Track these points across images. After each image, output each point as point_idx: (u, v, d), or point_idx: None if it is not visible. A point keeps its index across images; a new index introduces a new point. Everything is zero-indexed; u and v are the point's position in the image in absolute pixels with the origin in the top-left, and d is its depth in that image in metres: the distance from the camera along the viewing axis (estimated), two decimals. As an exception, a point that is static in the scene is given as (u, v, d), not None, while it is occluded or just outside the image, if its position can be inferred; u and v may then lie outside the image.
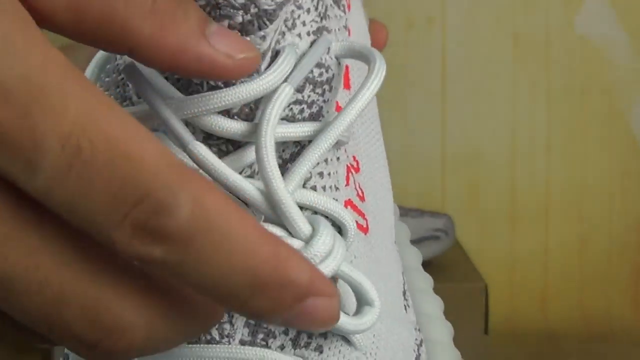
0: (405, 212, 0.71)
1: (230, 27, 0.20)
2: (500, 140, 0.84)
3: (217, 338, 0.21)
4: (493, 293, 0.77)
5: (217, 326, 0.21)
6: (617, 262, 0.84)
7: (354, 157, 0.26)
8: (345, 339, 0.22)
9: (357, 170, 0.26)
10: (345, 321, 0.22)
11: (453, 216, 0.74)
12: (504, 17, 0.83)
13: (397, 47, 0.84)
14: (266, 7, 0.21)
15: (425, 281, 0.29)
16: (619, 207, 0.84)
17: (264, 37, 0.21)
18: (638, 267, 0.84)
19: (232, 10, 0.20)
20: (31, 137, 0.16)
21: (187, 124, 0.21)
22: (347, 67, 0.25)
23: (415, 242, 0.69)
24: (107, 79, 0.24)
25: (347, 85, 0.25)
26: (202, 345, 0.21)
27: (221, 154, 0.22)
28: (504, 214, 0.84)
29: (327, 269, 0.21)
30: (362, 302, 0.23)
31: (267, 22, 0.21)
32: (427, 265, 0.73)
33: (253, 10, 0.21)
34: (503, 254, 0.84)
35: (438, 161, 0.84)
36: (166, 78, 0.22)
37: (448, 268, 0.69)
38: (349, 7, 0.27)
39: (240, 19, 0.20)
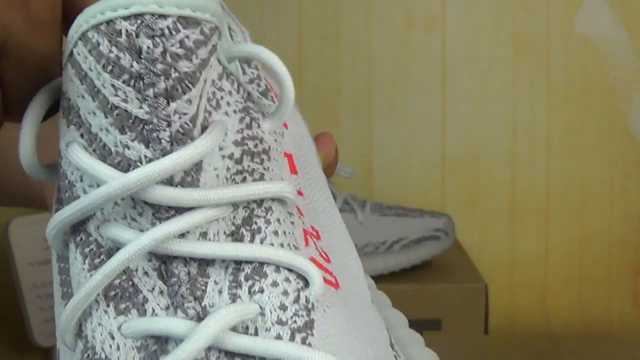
0: (405, 212, 0.71)
1: (156, 95, 0.22)
2: (500, 140, 0.84)
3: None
4: (493, 293, 0.77)
5: None
6: (617, 262, 0.84)
7: (312, 227, 0.26)
8: None
9: (318, 238, 0.26)
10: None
11: (453, 216, 0.74)
12: (504, 17, 0.83)
13: (397, 47, 0.84)
14: (185, 69, 0.22)
15: (416, 337, 0.28)
16: (619, 207, 0.84)
17: (189, 101, 0.22)
18: (638, 267, 0.84)
19: (154, 77, 0.22)
20: None
21: (135, 203, 0.23)
22: (290, 155, 0.27)
23: (415, 242, 0.70)
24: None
25: (294, 171, 0.27)
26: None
27: (167, 219, 0.23)
28: (504, 214, 0.84)
29: None
30: None
31: (190, 86, 0.22)
32: (427, 265, 0.74)
33: (174, 74, 0.22)
34: (503, 254, 0.84)
35: (438, 161, 0.85)
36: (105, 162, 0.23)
37: (448, 268, 0.70)
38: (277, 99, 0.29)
39: (163, 84, 0.22)
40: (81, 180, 0.23)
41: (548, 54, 0.83)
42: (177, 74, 0.22)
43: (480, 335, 0.64)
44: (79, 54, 0.22)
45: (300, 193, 0.27)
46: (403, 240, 0.68)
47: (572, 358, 0.73)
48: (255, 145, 0.24)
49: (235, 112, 0.24)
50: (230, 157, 0.23)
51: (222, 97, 0.23)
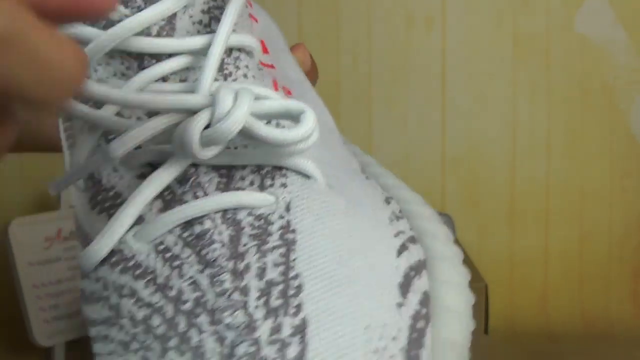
0: (405, 212, 0.71)
1: None
2: (500, 140, 0.84)
3: (192, 199, 0.25)
4: (493, 293, 0.77)
5: (191, 192, 0.25)
6: (617, 262, 0.84)
7: (283, 87, 0.31)
8: (305, 175, 0.26)
9: (289, 93, 0.31)
10: (281, 133, 0.25)
11: (453, 216, 0.74)
12: (504, 17, 0.83)
13: (397, 47, 0.84)
14: None
15: (393, 176, 0.32)
16: (619, 207, 0.84)
17: None
18: (638, 267, 0.84)
19: None
20: None
21: (123, 60, 0.27)
22: (262, 40, 0.32)
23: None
24: None
25: (265, 52, 0.32)
26: (181, 206, 0.24)
27: (147, 66, 0.27)
28: (504, 214, 0.84)
29: (233, 118, 0.24)
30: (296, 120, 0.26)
31: None
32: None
33: None
34: (503, 254, 0.84)
35: (438, 161, 0.85)
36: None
37: (448, 268, 0.69)
38: (249, 4, 0.34)
39: None
40: None
41: (548, 54, 0.83)
42: None
43: (480, 335, 0.64)
44: None
45: (272, 66, 0.31)
46: (403, 240, 0.68)
47: (572, 358, 0.73)
48: (221, 13, 0.28)
49: None
50: (200, 22, 0.28)
51: None
